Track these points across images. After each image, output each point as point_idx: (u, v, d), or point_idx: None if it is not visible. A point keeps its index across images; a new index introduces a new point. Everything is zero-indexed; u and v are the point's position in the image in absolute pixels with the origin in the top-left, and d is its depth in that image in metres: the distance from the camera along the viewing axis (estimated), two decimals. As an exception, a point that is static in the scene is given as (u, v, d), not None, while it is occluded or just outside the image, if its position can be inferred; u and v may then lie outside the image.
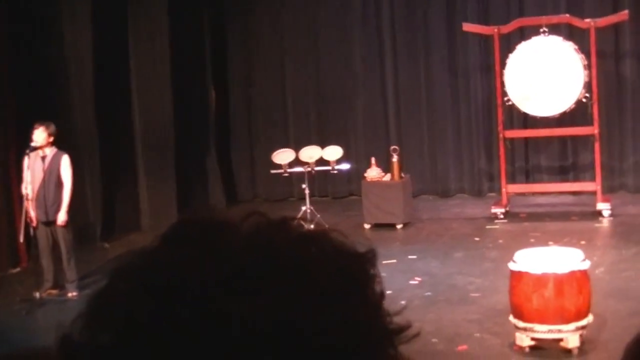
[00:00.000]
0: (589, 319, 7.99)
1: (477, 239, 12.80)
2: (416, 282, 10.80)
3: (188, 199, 15.68)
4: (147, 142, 14.97)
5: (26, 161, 10.75)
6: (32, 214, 10.79)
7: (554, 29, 14.02)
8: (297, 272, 0.92)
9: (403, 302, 8.70)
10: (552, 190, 15.11)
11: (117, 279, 0.95)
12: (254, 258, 0.92)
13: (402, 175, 14.04)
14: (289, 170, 13.81)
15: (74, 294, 10.95)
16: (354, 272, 0.96)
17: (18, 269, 12.55)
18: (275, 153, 13.93)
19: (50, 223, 10.87)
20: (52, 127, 10.80)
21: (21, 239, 11.17)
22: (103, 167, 14.14)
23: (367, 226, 13.81)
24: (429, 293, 10.30)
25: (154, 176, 15.02)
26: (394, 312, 0.98)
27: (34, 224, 10.81)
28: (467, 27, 14.60)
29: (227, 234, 0.95)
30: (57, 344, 0.94)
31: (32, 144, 10.71)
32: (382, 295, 0.98)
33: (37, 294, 10.80)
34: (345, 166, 14.03)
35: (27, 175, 10.77)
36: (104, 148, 14.15)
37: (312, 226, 1.00)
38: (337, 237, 0.98)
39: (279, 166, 13.80)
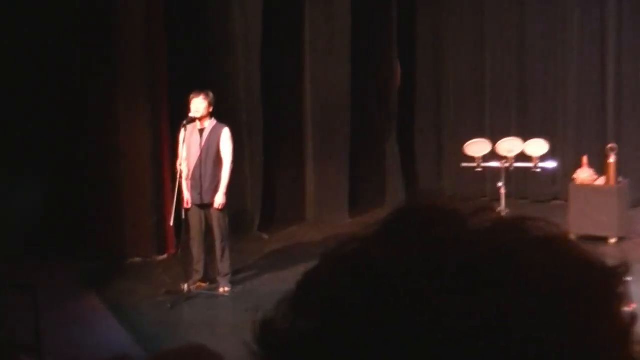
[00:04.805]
0: None
1: None
2: (629, 308, 9.10)
3: (362, 191, 15.29)
4: (319, 124, 14.69)
5: (182, 134, 10.45)
6: (186, 194, 10.43)
7: None
8: (529, 277, 0.86)
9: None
10: None
11: (327, 264, 0.94)
12: (481, 255, 0.87)
13: (619, 179, 12.87)
14: (482, 164, 12.86)
15: (226, 289, 10.69)
16: (601, 287, 0.89)
17: (165, 256, 12.42)
18: (467, 144, 12.99)
19: (205, 206, 10.50)
20: (212, 96, 10.47)
21: (171, 223, 10.98)
22: (266, 148, 14.06)
23: (572, 237, 12.07)
24: (642, 322, 8.74)
25: (324, 163, 14.72)
26: None
27: (188, 206, 10.47)
28: None
29: (453, 226, 0.92)
30: (256, 329, 0.93)
31: (191, 115, 10.33)
32: (633, 319, 0.91)
33: (185, 286, 10.53)
34: (550, 164, 12.98)
35: (182, 150, 10.45)
36: (268, 127, 14.05)
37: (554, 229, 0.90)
38: (582, 245, 0.93)
39: (472, 159, 12.87)
